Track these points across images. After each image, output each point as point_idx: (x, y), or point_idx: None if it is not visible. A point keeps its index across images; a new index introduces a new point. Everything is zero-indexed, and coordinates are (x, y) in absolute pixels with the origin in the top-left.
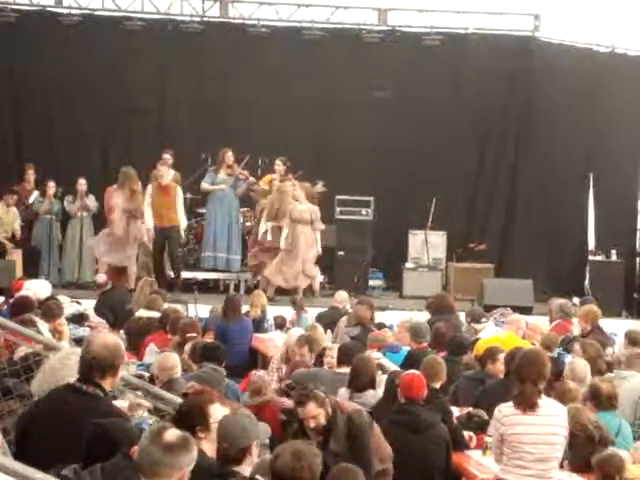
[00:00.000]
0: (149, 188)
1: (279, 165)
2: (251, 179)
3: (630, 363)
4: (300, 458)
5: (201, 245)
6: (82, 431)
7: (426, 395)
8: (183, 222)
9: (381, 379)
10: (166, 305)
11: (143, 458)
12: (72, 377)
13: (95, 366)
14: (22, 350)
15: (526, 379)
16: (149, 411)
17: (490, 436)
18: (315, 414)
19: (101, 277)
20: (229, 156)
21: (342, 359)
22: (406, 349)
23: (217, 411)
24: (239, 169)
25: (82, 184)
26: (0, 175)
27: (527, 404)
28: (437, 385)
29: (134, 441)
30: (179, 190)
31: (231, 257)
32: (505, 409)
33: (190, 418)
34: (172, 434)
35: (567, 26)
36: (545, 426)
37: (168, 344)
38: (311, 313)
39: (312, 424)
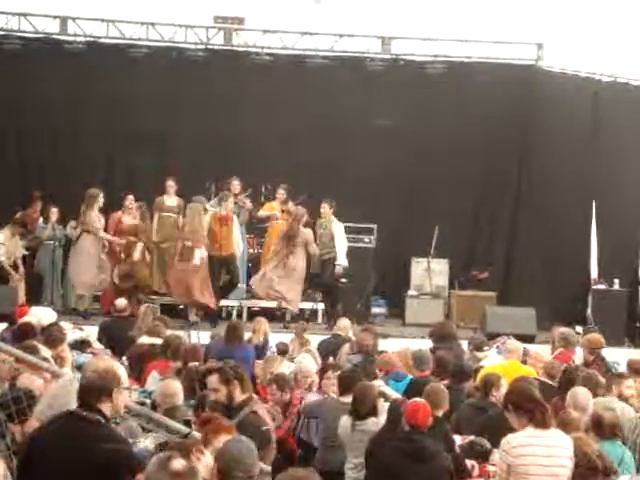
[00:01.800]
0: (207, 217)
1: (282, 193)
2: (248, 204)
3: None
4: None
5: None
6: (84, 457)
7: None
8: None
9: (383, 406)
10: (168, 332)
11: None
12: (73, 403)
13: (88, 391)
14: (25, 377)
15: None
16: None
17: (493, 465)
18: (215, 387)
19: (121, 302)
20: (235, 185)
21: (344, 389)
22: (410, 377)
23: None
24: (242, 197)
25: None
26: (4, 202)
27: (544, 420)
28: (439, 413)
29: (139, 467)
30: (236, 219)
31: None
32: (514, 440)
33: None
34: (179, 463)
35: (569, 55)
36: (553, 457)
37: (170, 371)
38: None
39: (212, 396)
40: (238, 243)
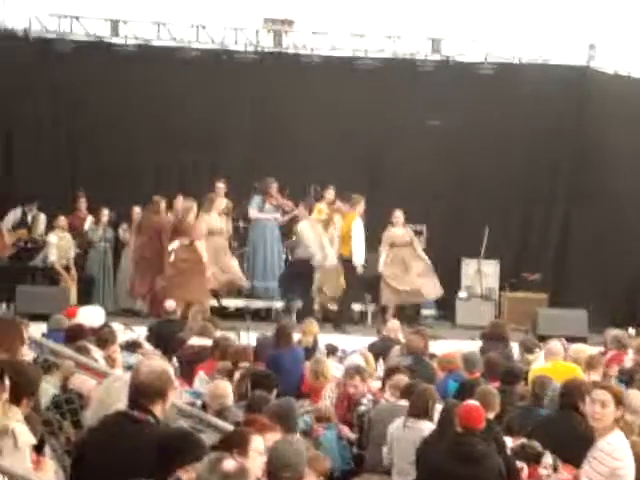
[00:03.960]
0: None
1: (330, 194)
2: (296, 211)
3: None
4: None
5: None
6: (135, 457)
7: None
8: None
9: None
10: (218, 333)
11: None
12: (119, 403)
13: (142, 392)
14: (77, 378)
15: None
16: None
17: (545, 468)
18: None
19: (171, 305)
20: (273, 188)
21: (405, 393)
22: None
23: (258, 442)
24: (284, 200)
25: (137, 213)
26: (55, 203)
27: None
28: (491, 416)
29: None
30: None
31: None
32: (618, 443)
33: (230, 443)
34: (230, 463)
35: (622, 56)
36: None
37: (218, 371)
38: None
39: None
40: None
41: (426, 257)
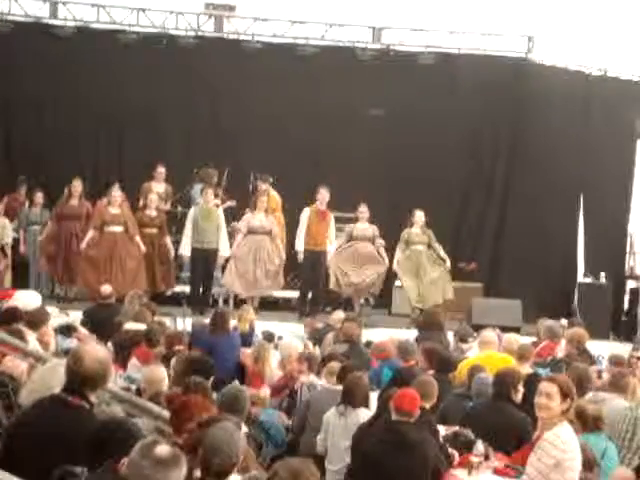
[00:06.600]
0: (306, 211)
1: (261, 184)
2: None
3: (612, 382)
4: (298, 477)
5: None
6: (67, 442)
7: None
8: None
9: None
10: (155, 318)
11: (133, 472)
12: (59, 387)
13: (85, 380)
14: (9, 360)
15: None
16: None
17: (476, 456)
18: None
19: (106, 289)
20: (214, 179)
21: (340, 378)
22: None
23: None
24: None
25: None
26: None
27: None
28: (428, 405)
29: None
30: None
31: None
32: (565, 435)
33: None
34: (163, 449)
35: (560, 48)
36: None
37: (152, 357)
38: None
39: None
40: (332, 241)
41: (385, 257)
